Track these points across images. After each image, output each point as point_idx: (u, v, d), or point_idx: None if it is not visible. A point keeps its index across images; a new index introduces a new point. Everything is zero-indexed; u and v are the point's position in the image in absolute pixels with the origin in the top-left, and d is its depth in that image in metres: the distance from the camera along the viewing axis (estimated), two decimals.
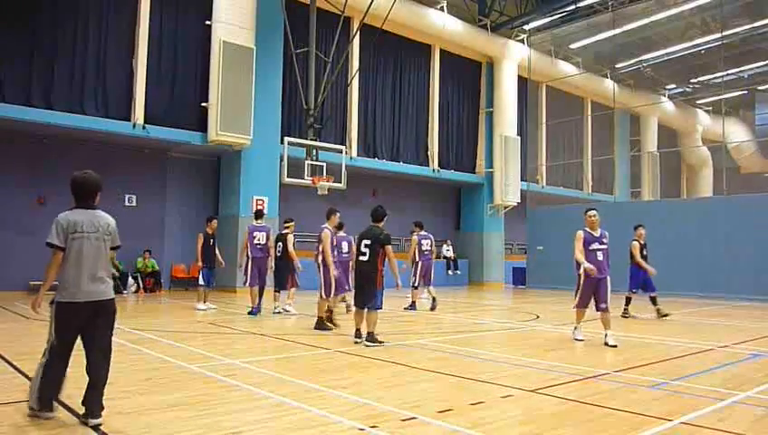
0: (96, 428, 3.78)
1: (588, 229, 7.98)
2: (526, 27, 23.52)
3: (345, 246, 10.33)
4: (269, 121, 16.69)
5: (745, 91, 29.73)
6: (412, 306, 12.38)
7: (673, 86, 31.03)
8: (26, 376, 5.06)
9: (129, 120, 14.89)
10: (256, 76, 16.04)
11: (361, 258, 7.54)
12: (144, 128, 14.98)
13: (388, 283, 7.62)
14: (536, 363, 6.41)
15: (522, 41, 23.95)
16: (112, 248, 4.12)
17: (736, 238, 16.93)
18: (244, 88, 15.78)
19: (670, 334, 9.06)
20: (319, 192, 16.23)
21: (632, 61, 26.10)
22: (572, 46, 25.24)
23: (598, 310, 7.91)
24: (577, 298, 8.02)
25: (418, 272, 12.36)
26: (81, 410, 3.91)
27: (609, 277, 7.91)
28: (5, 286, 13.83)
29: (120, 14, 15.04)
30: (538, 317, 11.61)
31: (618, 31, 22.01)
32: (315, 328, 8.84)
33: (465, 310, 13.65)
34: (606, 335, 7.74)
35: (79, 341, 3.96)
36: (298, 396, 4.66)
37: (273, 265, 11.28)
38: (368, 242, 7.51)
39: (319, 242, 9.12)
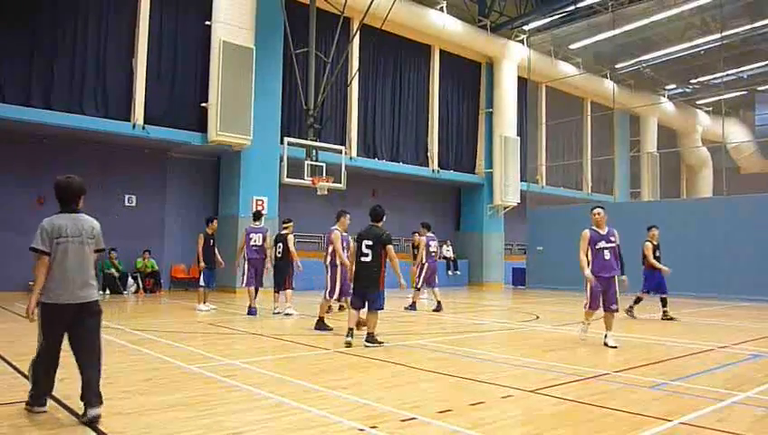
0: (95, 420, 3.82)
1: (594, 228, 7.84)
2: (526, 28, 23.52)
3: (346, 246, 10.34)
4: (269, 122, 16.69)
5: (745, 92, 29.73)
6: (412, 307, 12.39)
7: (673, 86, 31.04)
8: (26, 376, 5.05)
9: (129, 121, 14.89)
10: (256, 76, 16.04)
11: (363, 259, 7.45)
12: (144, 128, 14.98)
13: (389, 283, 7.60)
14: (536, 364, 6.41)
15: (521, 41, 23.95)
16: (97, 251, 4.22)
17: (736, 239, 16.93)
18: (244, 88, 15.78)
19: (670, 335, 9.06)
20: (318, 192, 16.24)
21: (632, 61, 26.10)
22: (572, 47, 25.22)
23: (606, 310, 7.73)
24: (587, 299, 7.84)
25: (423, 273, 12.37)
26: (81, 410, 3.92)
27: (617, 276, 7.73)
28: (5, 286, 13.82)
29: (119, 14, 15.04)
30: (537, 318, 11.62)
31: (617, 31, 22.01)
32: (315, 328, 8.84)
33: (465, 310, 13.66)
34: (606, 336, 7.71)
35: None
36: (298, 396, 4.66)
37: (270, 266, 11.35)
38: (369, 243, 7.45)
39: (329, 244, 9.12)
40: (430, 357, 6.82)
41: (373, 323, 7.45)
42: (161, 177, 16.91)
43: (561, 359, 6.67)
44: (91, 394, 3.90)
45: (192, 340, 7.90)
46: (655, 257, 11.40)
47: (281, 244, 11.25)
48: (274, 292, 11.50)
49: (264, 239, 11.23)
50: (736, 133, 31.04)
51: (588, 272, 7.62)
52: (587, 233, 7.81)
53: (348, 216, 9.20)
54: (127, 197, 16.16)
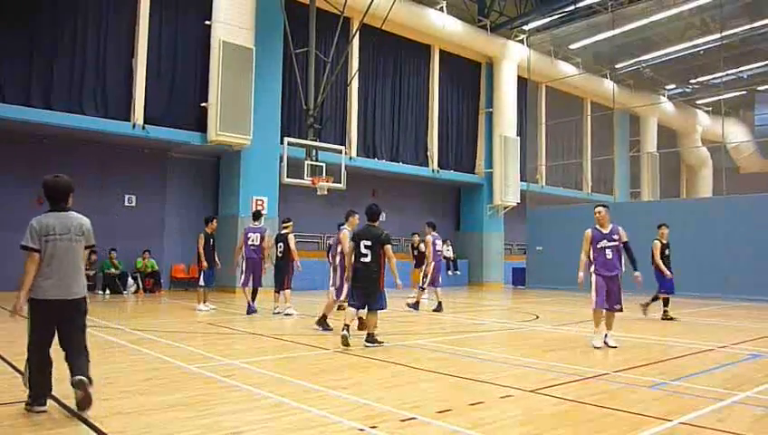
0: (83, 382, 3.87)
1: (597, 227, 7.81)
2: (526, 28, 23.51)
3: None
4: (269, 122, 16.69)
5: (745, 92, 29.74)
6: (415, 306, 12.39)
7: (673, 86, 31.04)
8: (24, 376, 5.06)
9: (129, 121, 14.88)
10: (256, 76, 16.04)
11: (363, 259, 7.41)
12: (144, 128, 14.97)
13: (388, 283, 7.60)
14: (535, 364, 6.41)
15: (521, 41, 23.94)
16: (87, 247, 4.33)
17: (736, 239, 16.93)
18: (244, 88, 15.77)
19: (670, 335, 9.06)
20: (318, 192, 16.23)
21: (632, 61, 26.10)
22: (572, 47, 25.22)
23: (611, 310, 7.64)
24: (593, 299, 7.71)
25: (430, 273, 12.37)
26: (83, 412, 3.95)
27: (632, 273, 7.74)
28: (5, 286, 13.73)
29: (119, 14, 15.03)
30: (537, 317, 11.62)
31: (617, 31, 22.00)
32: (317, 323, 8.86)
33: (465, 310, 13.66)
34: (606, 336, 7.70)
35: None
36: (298, 396, 4.66)
37: (267, 265, 11.40)
38: (368, 243, 7.41)
39: (337, 244, 9.10)
40: (430, 357, 6.82)
41: (373, 324, 7.44)
42: (161, 177, 16.90)
43: (561, 359, 6.68)
44: (78, 372, 3.95)
45: (192, 340, 7.89)
46: (665, 256, 11.33)
47: (282, 243, 11.28)
48: (275, 292, 11.51)
49: (263, 239, 11.26)
50: (736, 133, 31.04)
51: (580, 274, 7.62)
52: (589, 232, 7.80)
53: (357, 216, 9.09)
54: (127, 197, 16.16)
